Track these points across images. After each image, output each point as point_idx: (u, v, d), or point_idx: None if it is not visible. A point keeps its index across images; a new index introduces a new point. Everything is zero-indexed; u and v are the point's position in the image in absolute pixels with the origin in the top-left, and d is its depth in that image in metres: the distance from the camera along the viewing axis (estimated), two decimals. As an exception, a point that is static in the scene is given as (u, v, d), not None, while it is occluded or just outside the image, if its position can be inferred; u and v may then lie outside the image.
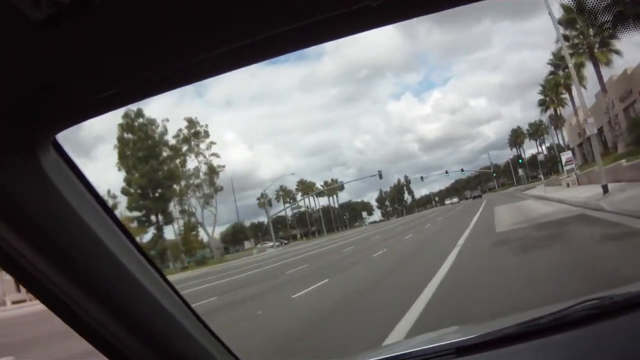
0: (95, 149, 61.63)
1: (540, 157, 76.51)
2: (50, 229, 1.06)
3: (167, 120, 65.24)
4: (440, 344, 1.74)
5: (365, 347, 4.54)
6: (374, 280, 14.24)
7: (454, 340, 1.71)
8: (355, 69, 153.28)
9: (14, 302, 29.72)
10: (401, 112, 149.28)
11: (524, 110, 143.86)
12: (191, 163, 69.98)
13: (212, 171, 70.15)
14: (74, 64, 0.86)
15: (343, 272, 18.06)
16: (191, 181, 68.61)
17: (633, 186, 20.31)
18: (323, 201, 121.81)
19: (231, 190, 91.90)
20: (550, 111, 60.74)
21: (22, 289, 25.16)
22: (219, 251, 72.60)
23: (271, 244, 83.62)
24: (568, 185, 39.34)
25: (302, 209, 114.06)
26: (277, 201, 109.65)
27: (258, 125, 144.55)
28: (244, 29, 0.87)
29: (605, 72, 40.98)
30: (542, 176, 58.16)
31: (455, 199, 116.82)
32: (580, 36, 39.83)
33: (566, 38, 35.87)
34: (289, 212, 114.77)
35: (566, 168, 48.50)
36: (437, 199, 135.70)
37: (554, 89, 54.25)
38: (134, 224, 57.60)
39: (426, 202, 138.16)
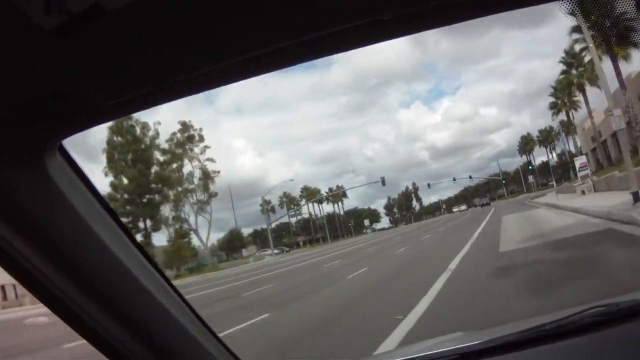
0: (97, 153, 57.09)
1: (553, 162, 71.40)
2: (56, 233, 1.06)
3: (159, 123, 61.27)
4: (444, 350, 1.69)
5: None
6: (324, 317, 10.17)
7: (458, 347, 1.67)
8: (364, 78, 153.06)
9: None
10: (411, 121, 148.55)
11: (534, 119, 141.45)
12: (186, 168, 66.06)
13: (207, 176, 66.54)
14: (82, 71, 0.87)
15: (300, 300, 13.83)
16: (185, 186, 64.97)
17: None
18: (330, 208, 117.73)
19: (237, 196, 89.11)
20: (562, 115, 56.13)
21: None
22: (214, 259, 68.61)
23: (270, 251, 79.77)
24: (583, 192, 34.85)
25: (306, 216, 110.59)
26: (281, 208, 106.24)
27: (268, 133, 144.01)
28: (253, 40, 0.87)
29: (624, 68, 36.36)
30: (553, 183, 53.08)
31: (463, 207, 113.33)
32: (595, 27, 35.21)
33: (578, 29, 31.32)
34: (294, 219, 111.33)
35: (580, 174, 44.01)
36: (444, 206, 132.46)
37: (566, 89, 49.58)
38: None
39: (435, 209, 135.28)
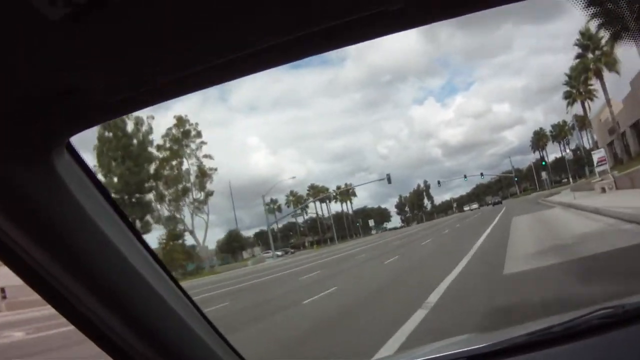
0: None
1: (569, 155, 66.15)
2: (64, 231, 1.05)
3: (152, 117, 57.75)
4: (451, 352, 1.69)
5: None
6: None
7: (465, 349, 1.65)
8: (378, 74, 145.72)
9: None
10: (424, 117, 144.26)
11: (547, 114, 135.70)
12: (183, 165, 62.58)
13: (203, 174, 62.91)
14: (89, 67, 0.85)
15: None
16: (182, 185, 61.45)
17: None
18: (340, 207, 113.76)
19: (249, 195, 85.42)
20: (577, 107, 51.44)
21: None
22: (213, 261, 64.95)
23: (272, 253, 75.95)
24: (604, 190, 30.51)
25: (313, 216, 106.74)
26: (288, 207, 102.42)
27: (281, 130, 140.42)
28: (261, 33, 0.86)
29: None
30: (570, 179, 48.23)
31: (475, 205, 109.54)
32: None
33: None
34: (301, 219, 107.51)
35: (598, 169, 39.52)
36: (455, 205, 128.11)
37: (582, 76, 44.86)
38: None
39: (447, 207, 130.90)
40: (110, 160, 53.43)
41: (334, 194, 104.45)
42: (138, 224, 54.22)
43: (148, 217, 56.02)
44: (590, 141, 75.08)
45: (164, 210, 59.87)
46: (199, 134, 64.06)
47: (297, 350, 7.48)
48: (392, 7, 0.83)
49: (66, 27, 0.72)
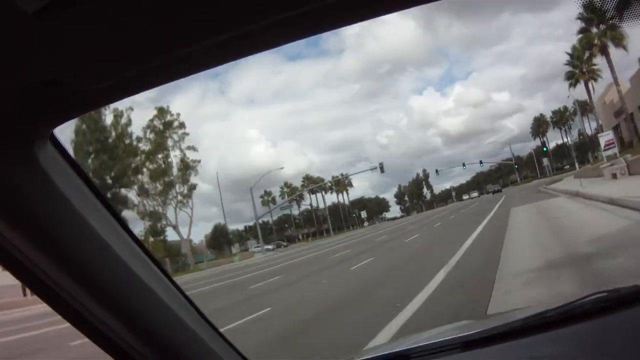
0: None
1: (575, 138, 61.42)
2: (49, 223, 1.03)
3: (131, 109, 53.99)
4: (447, 338, 1.68)
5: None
6: None
7: (461, 335, 1.66)
8: (376, 64, 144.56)
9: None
10: (423, 107, 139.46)
11: (547, 102, 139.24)
12: (163, 159, 58.85)
13: (186, 167, 59.05)
14: (70, 56, 0.83)
15: None
16: (167, 179, 57.81)
17: None
18: (337, 198, 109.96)
19: (245, 189, 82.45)
20: (580, 89, 47.20)
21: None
22: (199, 257, 61.21)
23: (266, 247, 72.16)
24: (614, 175, 26.52)
25: (308, 207, 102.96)
26: (282, 199, 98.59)
27: (280, 122, 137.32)
28: (253, 11, 0.82)
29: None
30: (575, 165, 43.78)
31: (474, 194, 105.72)
32: None
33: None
34: (297, 210, 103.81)
35: (606, 153, 35.60)
36: (454, 194, 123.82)
37: (586, 51, 40.53)
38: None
39: (446, 196, 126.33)
40: (85, 154, 49.66)
41: (329, 184, 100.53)
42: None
43: (124, 213, 52.07)
44: (592, 127, 71.34)
45: (146, 206, 56.14)
46: (181, 125, 60.21)
47: None
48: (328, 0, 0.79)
49: (44, 18, 0.70)
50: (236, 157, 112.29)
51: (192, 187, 60.80)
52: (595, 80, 45.76)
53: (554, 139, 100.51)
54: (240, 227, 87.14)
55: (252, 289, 17.27)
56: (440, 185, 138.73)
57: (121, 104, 54.43)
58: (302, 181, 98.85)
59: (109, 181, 50.87)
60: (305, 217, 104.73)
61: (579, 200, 21.35)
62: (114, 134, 53.56)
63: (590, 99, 47.17)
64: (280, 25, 0.83)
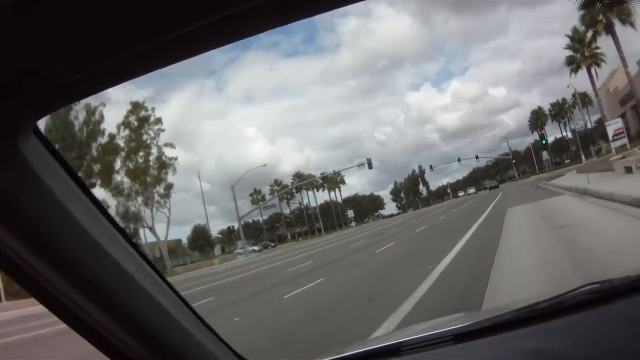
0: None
1: (580, 127, 55.88)
2: (34, 217, 0.99)
3: (104, 105, 51.21)
4: (438, 331, 1.66)
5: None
6: None
7: (452, 328, 1.64)
8: (373, 60, 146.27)
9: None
10: (420, 103, 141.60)
11: (544, 97, 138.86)
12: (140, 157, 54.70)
13: (162, 165, 54.68)
14: (49, 47, 0.81)
15: None
16: (148, 178, 53.74)
17: None
18: (332, 195, 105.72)
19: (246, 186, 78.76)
20: (581, 75, 42.58)
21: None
22: (180, 260, 56.97)
23: (251, 248, 67.79)
24: (629, 169, 22.02)
25: (299, 205, 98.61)
26: (278, 197, 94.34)
27: (278, 120, 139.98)
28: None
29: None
30: (580, 158, 38.54)
31: (472, 190, 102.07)
32: None
33: None
34: (290, 209, 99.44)
35: (614, 144, 31.20)
36: (449, 190, 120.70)
37: (590, 29, 35.81)
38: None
39: (443, 193, 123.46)
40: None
41: (319, 181, 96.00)
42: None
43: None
44: (592, 120, 67.01)
45: (118, 207, 52.01)
46: (158, 121, 55.87)
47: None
48: None
49: (21, 11, 0.70)
50: (234, 154, 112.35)
51: (169, 186, 56.70)
52: (599, 65, 41.22)
53: (552, 133, 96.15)
54: (234, 225, 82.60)
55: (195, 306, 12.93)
56: (437, 182, 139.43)
57: (92, 99, 50.67)
58: (293, 178, 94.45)
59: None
60: (296, 215, 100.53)
61: (589, 200, 16.99)
62: (85, 132, 50.28)
63: (593, 85, 42.53)
64: (273, 6, 0.81)
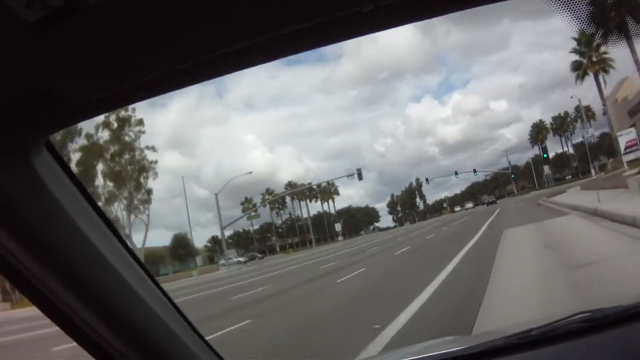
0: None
1: (590, 138, 51.55)
2: (43, 230, 1.02)
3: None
4: (430, 354, 1.66)
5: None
6: None
7: (441, 352, 1.63)
8: (374, 71, 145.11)
9: None
10: (421, 115, 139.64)
11: (545, 112, 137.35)
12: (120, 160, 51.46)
13: (142, 169, 51.29)
14: (66, 67, 0.84)
15: None
16: (133, 183, 50.57)
17: None
18: (326, 206, 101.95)
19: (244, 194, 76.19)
20: (587, 83, 39.05)
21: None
22: (154, 271, 53.22)
23: (237, 259, 64.09)
24: (646, 187, 18.37)
25: (289, 216, 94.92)
26: (264, 206, 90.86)
27: (278, 128, 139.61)
28: (247, 29, 0.84)
29: None
30: (592, 171, 34.60)
31: (469, 204, 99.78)
32: None
33: None
34: (281, 219, 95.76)
35: (627, 158, 27.64)
36: (445, 205, 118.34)
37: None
38: None
39: (441, 207, 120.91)
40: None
41: (310, 191, 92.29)
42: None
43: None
44: (595, 135, 63.40)
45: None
46: (140, 122, 52.63)
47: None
48: (363, 8, 0.81)
49: (43, 28, 0.72)
50: (232, 161, 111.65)
51: (148, 192, 53.34)
52: (607, 72, 37.73)
53: (553, 149, 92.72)
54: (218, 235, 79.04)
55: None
56: (436, 195, 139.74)
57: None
58: (285, 187, 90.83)
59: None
60: (288, 226, 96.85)
61: (602, 224, 13.57)
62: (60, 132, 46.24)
63: (601, 94, 38.98)
64: (277, 41, 0.85)
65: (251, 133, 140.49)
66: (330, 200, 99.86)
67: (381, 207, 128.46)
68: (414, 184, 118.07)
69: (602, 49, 35.35)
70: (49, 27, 0.72)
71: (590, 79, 38.07)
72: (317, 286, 15.43)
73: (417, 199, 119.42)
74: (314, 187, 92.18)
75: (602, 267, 7.55)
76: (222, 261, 57.93)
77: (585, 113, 50.63)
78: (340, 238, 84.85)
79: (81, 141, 48.97)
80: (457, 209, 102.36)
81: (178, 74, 0.91)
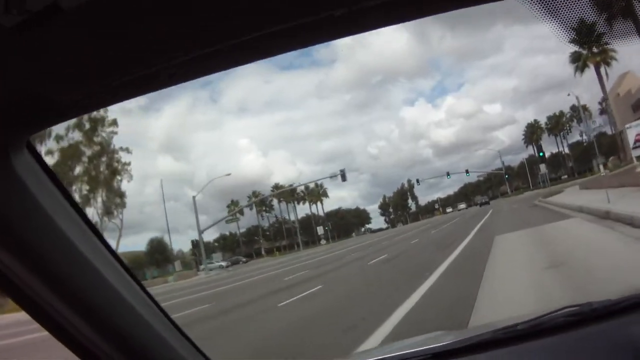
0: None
1: (595, 132, 47.88)
2: (23, 230, 1.01)
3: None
4: (416, 350, 1.63)
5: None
6: None
7: (430, 347, 1.60)
8: (368, 75, 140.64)
9: None
10: (415, 118, 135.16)
11: (539, 114, 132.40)
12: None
13: (114, 172, 48.16)
14: (47, 68, 0.85)
15: None
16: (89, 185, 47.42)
17: None
18: (317, 208, 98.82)
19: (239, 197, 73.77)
20: (587, 74, 35.98)
21: None
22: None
23: (219, 263, 60.89)
24: (666, 185, 15.21)
25: (275, 218, 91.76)
26: (250, 209, 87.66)
27: (271, 132, 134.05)
28: (237, 27, 0.84)
29: None
30: (599, 166, 31.08)
31: (462, 205, 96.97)
32: None
33: None
34: (268, 222, 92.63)
35: (636, 153, 24.55)
36: (436, 206, 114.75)
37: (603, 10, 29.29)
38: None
39: (433, 208, 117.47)
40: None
41: (299, 192, 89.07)
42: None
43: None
44: (591, 135, 60.75)
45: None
46: (113, 122, 49.64)
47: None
48: (336, 12, 0.82)
49: (22, 32, 0.73)
50: (226, 165, 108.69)
51: (121, 195, 50.25)
52: (608, 63, 34.66)
53: (547, 149, 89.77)
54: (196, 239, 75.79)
55: None
56: (429, 196, 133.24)
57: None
58: (272, 190, 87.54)
59: None
60: (276, 229, 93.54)
61: (619, 229, 10.54)
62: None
63: (602, 88, 35.86)
64: (261, 40, 0.85)
65: (245, 137, 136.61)
66: (318, 203, 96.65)
67: (374, 208, 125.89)
68: (406, 185, 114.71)
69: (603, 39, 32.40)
70: (28, 31, 0.73)
71: (589, 77, 35.16)
72: (255, 309, 12.15)
73: (409, 200, 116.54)
74: (302, 189, 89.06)
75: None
76: (203, 266, 54.85)
77: (582, 111, 47.74)
78: (323, 242, 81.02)
79: (50, 143, 46.24)
80: (449, 210, 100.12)
81: (157, 75, 0.89)
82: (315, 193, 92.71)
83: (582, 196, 24.34)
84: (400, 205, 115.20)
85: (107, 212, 48.88)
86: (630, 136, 24.65)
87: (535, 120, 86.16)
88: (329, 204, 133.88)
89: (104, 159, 50.06)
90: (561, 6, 1.00)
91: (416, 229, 46.52)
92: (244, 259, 69.43)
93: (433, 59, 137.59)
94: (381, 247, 28.14)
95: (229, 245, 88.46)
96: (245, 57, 0.92)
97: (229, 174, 59.64)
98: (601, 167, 25.20)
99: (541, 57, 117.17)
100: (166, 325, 1.33)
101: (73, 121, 47.10)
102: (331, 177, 54.39)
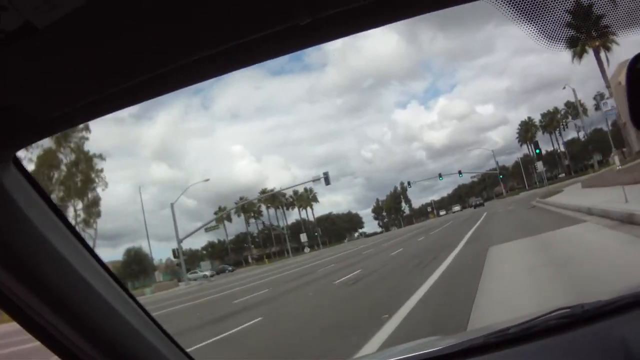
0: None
1: (594, 127, 43.56)
2: (12, 244, 1.00)
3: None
4: (410, 355, 1.66)
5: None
6: None
7: (424, 352, 1.62)
8: (359, 79, 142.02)
9: None
10: (407, 121, 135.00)
11: (533, 113, 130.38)
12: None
13: (87, 179, 44.91)
14: (24, 86, 0.85)
15: None
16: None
17: None
18: (309, 214, 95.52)
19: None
20: (586, 61, 32.76)
21: None
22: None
23: (203, 273, 57.49)
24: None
25: (263, 224, 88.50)
26: (238, 216, 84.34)
27: (264, 137, 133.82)
28: (221, 36, 0.84)
29: None
30: (617, 159, 27.67)
31: (457, 207, 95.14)
32: None
33: None
34: (257, 228, 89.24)
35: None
36: (429, 209, 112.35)
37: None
38: None
39: (427, 211, 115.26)
40: None
41: (288, 197, 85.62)
42: None
43: None
44: (586, 132, 58.11)
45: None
46: (85, 127, 46.53)
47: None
48: (301, 22, 0.82)
49: (2, 48, 0.73)
50: (220, 172, 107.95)
51: (93, 203, 46.83)
52: (609, 49, 31.55)
53: (543, 148, 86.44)
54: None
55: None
56: (423, 199, 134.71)
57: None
58: (259, 194, 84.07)
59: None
60: (265, 235, 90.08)
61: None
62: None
63: (603, 74, 32.72)
64: (257, 43, 0.84)
65: (238, 143, 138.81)
66: (309, 208, 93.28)
67: (368, 212, 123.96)
68: (399, 188, 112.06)
69: (603, 21, 29.16)
70: (4, 48, 0.72)
71: (583, 72, 32.07)
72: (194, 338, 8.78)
73: (403, 204, 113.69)
74: (291, 194, 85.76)
75: None
76: (198, 273, 51.39)
77: (575, 111, 44.51)
78: (307, 250, 76.90)
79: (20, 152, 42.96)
80: (443, 212, 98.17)
81: (137, 88, 0.90)
82: (305, 198, 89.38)
83: (588, 195, 21.09)
84: (393, 209, 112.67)
85: (82, 221, 45.59)
86: None
87: (529, 118, 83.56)
88: (323, 209, 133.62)
89: (78, 167, 46.87)
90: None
91: (401, 236, 44.36)
92: (230, 268, 66.03)
93: (424, 60, 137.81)
94: (360, 258, 24.81)
95: (217, 253, 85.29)
96: (234, 63, 0.91)
97: (207, 180, 55.99)
98: (616, 158, 21.82)
99: (533, 56, 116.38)
100: (155, 333, 1.32)
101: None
102: (314, 180, 50.94)
